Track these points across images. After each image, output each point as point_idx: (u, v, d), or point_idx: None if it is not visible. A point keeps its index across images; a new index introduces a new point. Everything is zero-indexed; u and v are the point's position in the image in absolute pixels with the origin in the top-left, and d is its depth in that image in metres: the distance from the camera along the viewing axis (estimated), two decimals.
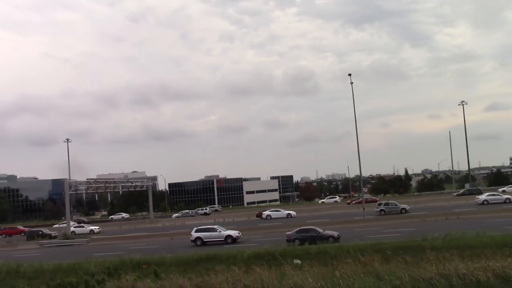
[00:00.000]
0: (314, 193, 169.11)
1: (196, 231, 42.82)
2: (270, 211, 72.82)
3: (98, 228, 70.35)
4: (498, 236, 28.54)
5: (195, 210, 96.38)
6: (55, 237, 61.86)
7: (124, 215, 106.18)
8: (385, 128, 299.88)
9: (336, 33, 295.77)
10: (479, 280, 13.02)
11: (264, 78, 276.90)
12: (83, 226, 72.14)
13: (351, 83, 55.84)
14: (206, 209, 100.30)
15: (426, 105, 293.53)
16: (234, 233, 42.58)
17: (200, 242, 41.29)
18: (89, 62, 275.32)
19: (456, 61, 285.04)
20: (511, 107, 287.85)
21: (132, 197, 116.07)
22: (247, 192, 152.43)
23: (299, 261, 22.93)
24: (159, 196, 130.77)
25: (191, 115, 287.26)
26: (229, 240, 41.17)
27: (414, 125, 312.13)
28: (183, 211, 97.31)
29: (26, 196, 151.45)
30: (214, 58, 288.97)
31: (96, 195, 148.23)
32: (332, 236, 35.93)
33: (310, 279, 13.75)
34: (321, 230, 37.20)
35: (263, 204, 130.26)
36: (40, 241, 56.50)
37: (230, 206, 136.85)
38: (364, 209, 58.15)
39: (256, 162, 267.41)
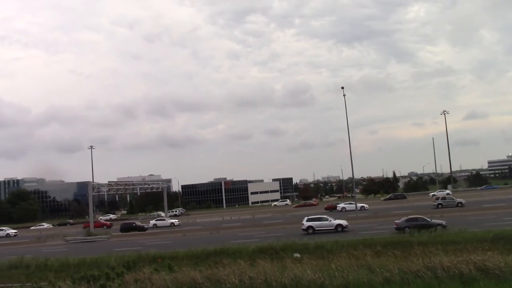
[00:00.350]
0: (312, 193, 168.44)
1: (307, 221, 41.27)
2: (344, 203, 70.07)
3: (178, 221, 69.19)
4: (479, 232, 28.30)
5: (156, 212, 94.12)
6: (146, 229, 61.32)
7: (111, 216, 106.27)
8: (374, 135, 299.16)
9: (329, 51, 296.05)
10: (462, 272, 12.91)
11: (266, 91, 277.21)
12: (164, 219, 70.39)
13: (344, 95, 56.06)
14: (176, 211, 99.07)
15: (410, 115, 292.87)
16: (343, 222, 40.79)
17: (311, 231, 39.67)
18: (110, 77, 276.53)
19: (437, 75, 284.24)
20: (488, 116, 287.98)
21: (149, 198, 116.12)
22: (252, 193, 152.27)
23: (298, 255, 22.76)
24: (173, 196, 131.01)
25: (201, 124, 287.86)
26: (339, 229, 39.44)
27: (400, 132, 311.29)
28: (153, 213, 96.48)
29: (54, 197, 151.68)
30: (222, 74, 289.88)
31: (117, 196, 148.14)
32: (440, 224, 34.20)
33: (308, 271, 13.66)
34: (429, 219, 35.78)
35: (266, 204, 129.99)
36: (66, 238, 56.38)
37: (236, 206, 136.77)
38: (356, 207, 57.96)
39: (259, 166, 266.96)
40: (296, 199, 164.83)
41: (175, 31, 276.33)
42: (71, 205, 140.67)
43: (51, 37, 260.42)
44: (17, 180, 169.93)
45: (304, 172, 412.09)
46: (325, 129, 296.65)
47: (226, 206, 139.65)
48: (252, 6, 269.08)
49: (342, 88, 56.13)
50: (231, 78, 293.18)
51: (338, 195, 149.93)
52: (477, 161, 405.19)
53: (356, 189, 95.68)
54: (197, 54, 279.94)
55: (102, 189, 75.18)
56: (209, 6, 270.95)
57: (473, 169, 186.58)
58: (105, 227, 68.43)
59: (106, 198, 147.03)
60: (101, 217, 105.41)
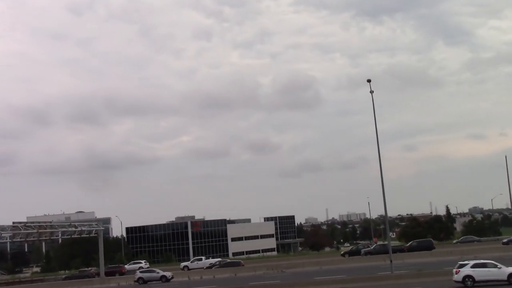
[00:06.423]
0: (324, 239, 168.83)
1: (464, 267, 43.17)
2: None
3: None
4: None
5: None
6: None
7: None
8: (411, 152, 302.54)
9: (346, 28, 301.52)
10: None
11: (251, 86, 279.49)
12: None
13: (371, 92, 55.63)
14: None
15: (467, 122, 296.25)
16: None
17: (470, 283, 42.02)
18: (14, 65, 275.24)
19: (505, 62, 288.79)
20: None
21: (77, 247, 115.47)
22: (233, 239, 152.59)
23: None
24: (113, 244, 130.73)
25: (154, 135, 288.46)
26: None
27: (451, 148, 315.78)
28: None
29: None
30: (186, 61, 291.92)
31: (26, 245, 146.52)
32: None
33: None
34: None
35: (254, 255, 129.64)
36: None
37: (210, 258, 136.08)
38: (391, 261, 58.09)
39: (244, 198, 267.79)
40: (300, 248, 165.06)
41: None
42: None
43: None
44: None
45: (312, 207, 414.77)
46: (339, 143, 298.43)
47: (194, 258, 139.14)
48: None
49: (369, 81, 55.93)
50: (200, 67, 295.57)
51: (364, 242, 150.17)
52: None
53: (391, 233, 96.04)
54: (147, 31, 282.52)
55: (3, 235, 74.43)
56: None
57: None
58: None
59: (9, 249, 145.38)
60: None
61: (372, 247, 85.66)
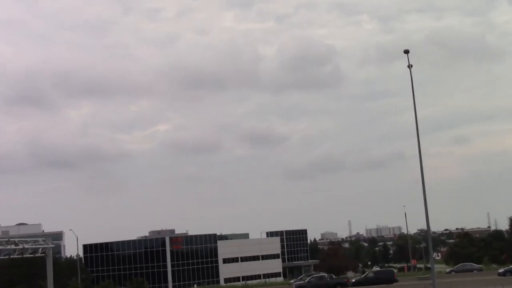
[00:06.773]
0: (346, 261, 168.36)
1: None
2: None
3: None
4: None
5: None
6: None
7: None
8: (463, 146, 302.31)
9: None
10: None
11: (249, 58, 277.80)
12: None
13: (410, 66, 55.47)
14: None
15: None
16: None
17: None
18: None
19: None
20: None
21: (17, 271, 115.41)
22: (225, 260, 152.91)
23: None
24: (67, 267, 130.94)
25: (121, 123, 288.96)
26: None
27: None
28: None
29: None
30: (164, 25, 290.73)
31: None
32: None
33: None
34: None
35: (253, 282, 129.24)
36: None
37: (195, 286, 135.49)
38: None
39: (239, 207, 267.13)
40: (313, 272, 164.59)
41: None
42: None
43: None
44: None
45: (330, 219, 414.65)
46: (366, 134, 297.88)
47: (173, 286, 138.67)
48: None
49: (406, 52, 55.52)
50: (182, 34, 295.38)
51: (399, 265, 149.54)
52: None
53: (434, 254, 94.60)
54: None
55: None
56: None
57: None
58: None
59: None
60: None
61: (306, 280, 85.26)
